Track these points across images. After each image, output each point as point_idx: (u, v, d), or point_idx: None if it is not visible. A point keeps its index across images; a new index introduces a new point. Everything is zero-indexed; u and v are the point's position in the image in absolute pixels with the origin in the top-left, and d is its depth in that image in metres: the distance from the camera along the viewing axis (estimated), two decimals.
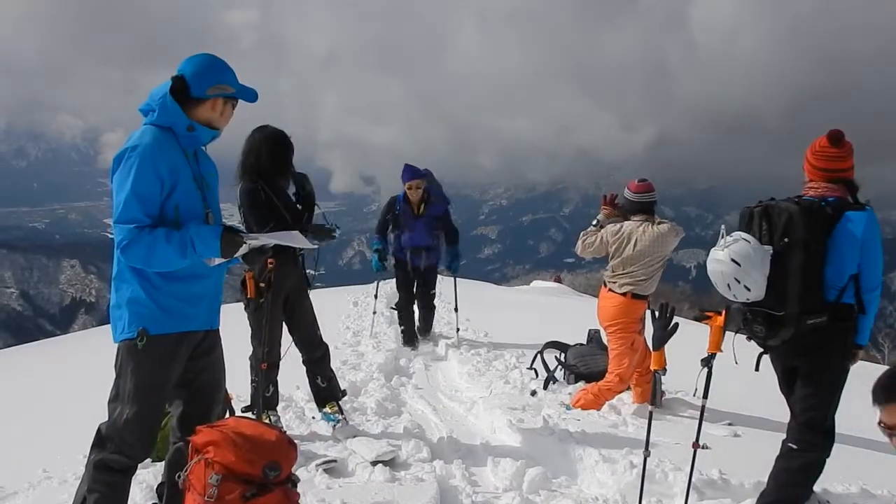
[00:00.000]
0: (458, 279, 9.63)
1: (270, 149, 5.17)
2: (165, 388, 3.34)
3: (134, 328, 3.22)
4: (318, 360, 5.55)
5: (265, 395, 5.31)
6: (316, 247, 3.65)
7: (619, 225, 6.06)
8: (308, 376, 5.59)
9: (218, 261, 3.27)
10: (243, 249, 3.30)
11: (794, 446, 4.03)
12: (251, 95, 3.45)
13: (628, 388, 6.81)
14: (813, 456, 4.01)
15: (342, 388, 5.80)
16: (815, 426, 4.02)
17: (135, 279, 3.24)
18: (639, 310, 6.02)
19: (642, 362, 6.10)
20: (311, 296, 5.56)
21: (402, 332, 9.32)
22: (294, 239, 3.72)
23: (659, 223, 5.97)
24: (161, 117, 3.24)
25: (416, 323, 9.48)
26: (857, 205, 3.97)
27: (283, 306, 5.36)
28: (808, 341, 3.94)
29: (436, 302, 9.67)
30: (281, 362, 5.46)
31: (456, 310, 9.63)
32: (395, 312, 10.02)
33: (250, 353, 5.36)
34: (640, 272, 5.94)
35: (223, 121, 3.39)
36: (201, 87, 3.25)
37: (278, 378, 5.48)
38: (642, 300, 5.98)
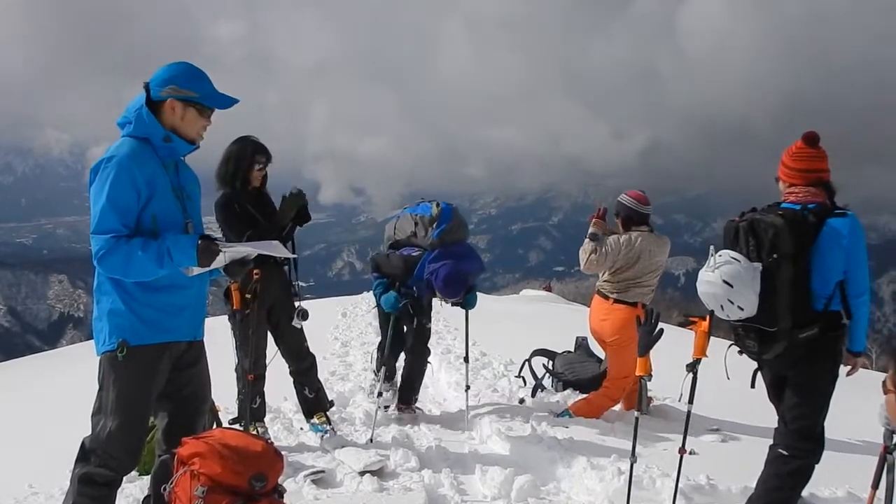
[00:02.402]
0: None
1: (231, 159, 5.21)
2: (148, 400, 3.33)
3: (114, 340, 3.21)
4: (306, 371, 5.54)
5: (252, 407, 5.30)
6: (294, 256, 3.59)
7: (626, 236, 6.00)
8: (295, 387, 5.59)
9: (197, 270, 3.24)
10: (220, 259, 3.27)
11: (785, 452, 4.04)
12: (220, 102, 3.38)
13: None
14: (804, 462, 4.02)
15: (330, 398, 5.80)
16: (806, 434, 4.03)
17: (114, 291, 3.23)
18: None
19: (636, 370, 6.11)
20: (298, 306, 5.53)
21: (378, 366, 6.41)
22: (272, 248, 3.71)
23: (658, 234, 6.07)
24: (137, 128, 3.25)
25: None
26: (839, 211, 3.98)
27: (267, 317, 5.37)
28: (799, 352, 3.94)
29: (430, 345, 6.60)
30: (268, 373, 5.45)
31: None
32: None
33: (236, 364, 5.34)
34: (653, 282, 6.00)
35: (187, 126, 3.32)
36: (156, 89, 3.25)
37: (265, 389, 5.47)
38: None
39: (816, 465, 4.08)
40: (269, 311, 5.35)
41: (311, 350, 5.61)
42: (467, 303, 6.07)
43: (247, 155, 5.22)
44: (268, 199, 5.41)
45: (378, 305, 6.18)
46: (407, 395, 6.48)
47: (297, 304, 5.44)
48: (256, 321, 5.20)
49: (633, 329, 5.78)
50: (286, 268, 5.42)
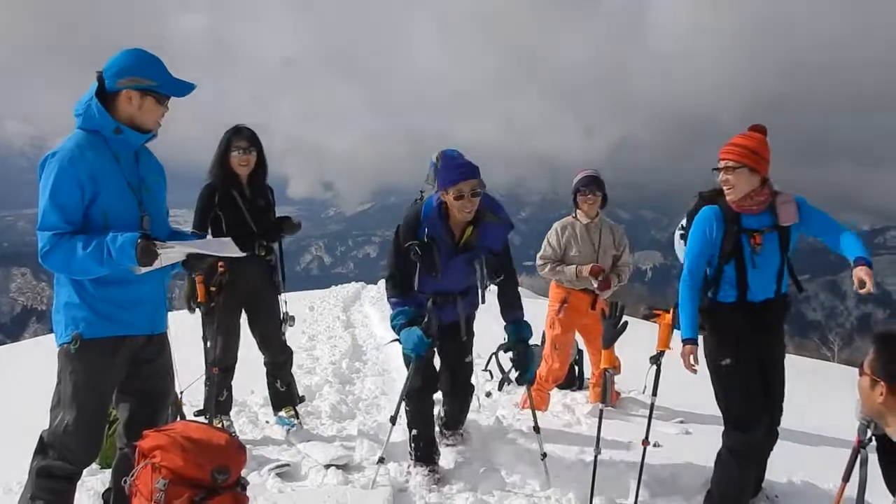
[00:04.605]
0: None
1: (218, 147, 5.22)
2: (104, 393, 3.28)
3: (69, 332, 3.18)
4: (282, 365, 5.55)
5: (219, 400, 5.26)
6: (244, 255, 3.48)
7: None
8: (268, 379, 5.56)
9: (144, 269, 3.13)
10: (160, 260, 3.15)
11: (722, 436, 4.11)
12: (177, 89, 3.29)
13: (578, 388, 6.90)
14: (728, 443, 4.04)
15: (300, 394, 5.79)
16: (723, 416, 4.09)
17: (70, 283, 3.19)
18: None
19: (599, 362, 6.20)
20: (285, 313, 5.52)
21: (413, 439, 4.79)
22: (221, 247, 3.54)
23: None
24: (87, 121, 3.18)
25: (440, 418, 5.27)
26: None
27: (244, 309, 5.36)
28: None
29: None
30: (235, 366, 5.41)
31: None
32: (348, 329, 9.43)
33: (205, 358, 5.29)
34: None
35: (146, 116, 3.24)
36: (112, 80, 3.18)
37: (232, 382, 5.43)
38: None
39: (777, 456, 4.15)
40: (245, 304, 5.34)
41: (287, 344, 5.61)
42: (530, 375, 4.74)
43: (222, 142, 5.20)
44: (264, 191, 5.39)
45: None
46: (453, 423, 5.26)
47: (283, 304, 5.46)
48: (228, 314, 5.20)
49: (550, 304, 6.33)
50: (270, 259, 5.39)
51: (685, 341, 3.96)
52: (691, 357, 3.93)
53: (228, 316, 5.24)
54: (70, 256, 3.05)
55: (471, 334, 4.93)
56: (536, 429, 4.72)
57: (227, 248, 3.51)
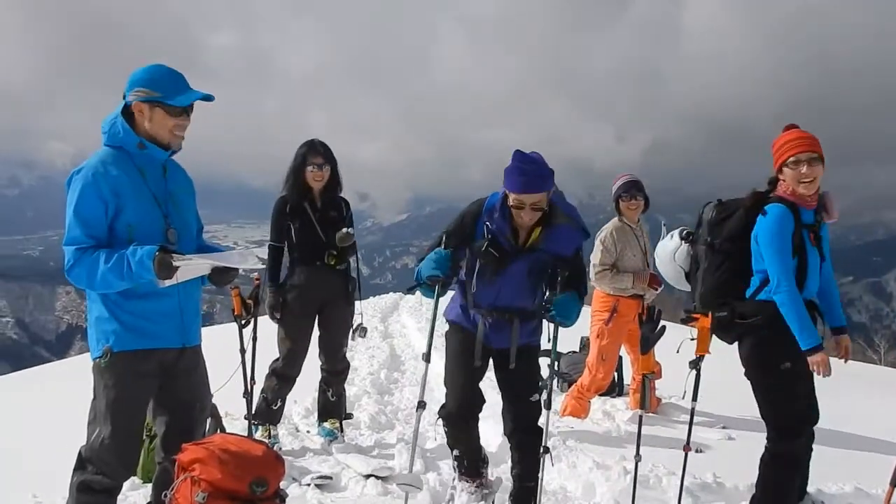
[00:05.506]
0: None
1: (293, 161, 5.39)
2: (136, 406, 3.29)
3: (100, 346, 3.20)
4: (338, 374, 5.63)
5: (272, 409, 5.39)
6: (262, 266, 3.42)
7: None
8: (320, 386, 5.62)
9: (168, 282, 3.10)
10: (185, 273, 3.15)
11: (766, 442, 4.01)
12: (182, 98, 3.22)
13: (618, 394, 6.84)
14: (777, 449, 3.96)
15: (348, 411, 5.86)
16: (772, 424, 3.98)
17: (99, 298, 3.22)
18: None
19: (639, 369, 6.14)
20: (359, 324, 5.60)
21: (455, 458, 4.41)
22: (240, 258, 3.49)
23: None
24: (111, 138, 3.22)
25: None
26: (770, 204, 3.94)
27: (317, 317, 5.45)
28: (729, 333, 4.06)
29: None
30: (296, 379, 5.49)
31: None
32: (387, 340, 9.60)
33: (270, 364, 5.43)
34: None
35: (157, 128, 3.21)
36: (126, 94, 3.21)
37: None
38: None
39: (824, 460, 4.07)
40: (319, 311, 5.44)
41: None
42: (559, 310, 3.88)
43: (298, 156, 5.36)
44: (337, 203, 5.50)
45: (447, 351, 4.38)
46: (524, 497, 4.17)
47: (358, 316, 5.54)
48: (299, 321, 5.35)
49: (596, 313, 6.23)
50: (346, 266, 5.49)
51: (816, 349, 3.75)
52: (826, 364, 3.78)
53: (300, 323, 5.37)
54: (93, 270, 3.07)
55: (530, 365, 4.23)
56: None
57: (248, 259, 3.50)
